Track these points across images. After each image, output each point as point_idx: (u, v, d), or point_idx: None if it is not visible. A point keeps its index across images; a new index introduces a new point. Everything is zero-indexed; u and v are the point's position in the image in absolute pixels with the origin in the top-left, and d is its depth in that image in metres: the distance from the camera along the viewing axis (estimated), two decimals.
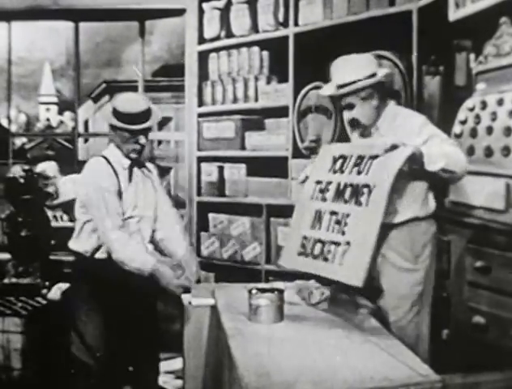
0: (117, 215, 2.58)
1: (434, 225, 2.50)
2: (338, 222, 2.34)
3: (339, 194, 2.39)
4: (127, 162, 2.67)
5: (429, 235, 2.47)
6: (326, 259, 2.32)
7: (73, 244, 2.71)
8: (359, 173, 2.35)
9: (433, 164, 2.28)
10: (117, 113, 2.62)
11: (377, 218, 2.22)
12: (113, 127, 2.65)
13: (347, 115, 2.51)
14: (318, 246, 2.37)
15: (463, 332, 2.55)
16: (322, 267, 2.34)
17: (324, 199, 2.44)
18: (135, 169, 2.70)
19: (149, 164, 2.82)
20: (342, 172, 2.44)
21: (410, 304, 2.43)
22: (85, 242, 2.66)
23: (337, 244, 2.30)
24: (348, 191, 2.36)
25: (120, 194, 2.62)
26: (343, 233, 2.29)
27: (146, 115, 2.63)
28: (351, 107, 2.47)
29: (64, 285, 3.40)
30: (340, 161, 2.48)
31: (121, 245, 2.55)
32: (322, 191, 2.47)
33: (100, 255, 2.64)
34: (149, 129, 2.67)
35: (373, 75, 2.46)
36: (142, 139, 2.63)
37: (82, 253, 2.66)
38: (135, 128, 2.60)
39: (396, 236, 2.44)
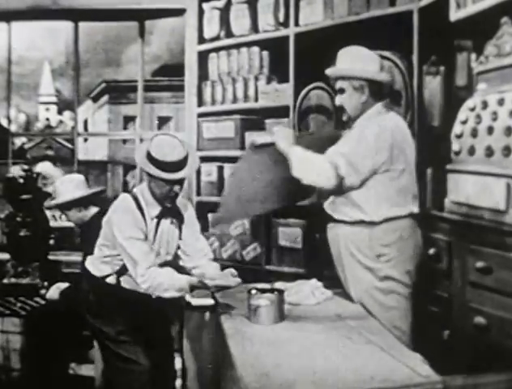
0: (146, 258, 2.47)
1: (407, 228, 2.54)
2: None
3: None
4: (156, 211, 2.54)
5: (395, 235, 2.51)
6: None
7: (89, 265, 2.69)
8: None
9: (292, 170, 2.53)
10: (152, 159, 2.47)
11: None
12: (147, 173, 2.52)
13: (337, 99, 2.64)
14: None
15: (464, 333, 2.54)
16: None
17: None
18: (163, 220, 2.57)
19: (184, 205, 2.66)
20: None
21: (372, 301, 2.49)
22: (99, 268, 2.64)
23: None
24: None
25: (146, 237, 2.53)
26: None
27: (184, 163, 2.49)
28: (341, 92, 2.60)
29: (63, 285, 3.40)
30: None
31: (156, 284, 2.44)
32: None
33: (110, 280, 2.62)
34: (185, 178, 2.53)
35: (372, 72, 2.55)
36: (177, 189, 2.49)
37: (96, 276, 2.65)
38: (172, 178, 2.46)
39: (355, 232, 2.52)
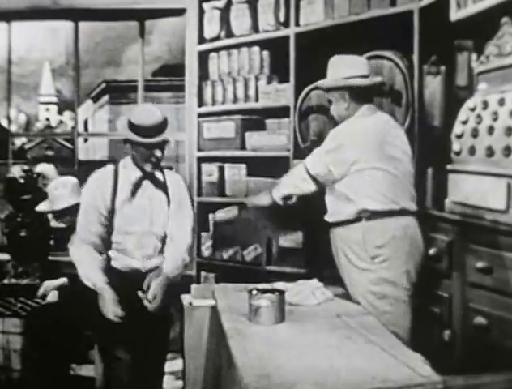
0: (88, 231, 2.56)
1: (401, 227, 2.53)
2: None
3: None
4: (136, 175, 2.57)
5: (387, 236, 2.51)
6: None
7: None
8: None
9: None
10: (132, 126, 2.51)
11: None
12: (127, 140, 2.55)
13: (330, 110, 2.74)
14: None
15: (465, 333, 2.54)
16: None
17: None
18: (146, 182, 2.58)
19: (170, 174, 2.68)
20: None
21: (369, 303, 2.49)
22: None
23: None
24: None
25: (112, 211, 2.54)
26: None
27: (162, 127, 2.52)
28: (330, 103, 2.71)
29: (56, 281, 3.38)
30: None
31: (75, 260, 2.57)
32: None
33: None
34: (166, 142, 2.54)
35: (351, 78, 2.62)
36: (157, 153, 2.51)
37: None
38: (150, 141, 2.49)
39: (349, 234, 2.54)
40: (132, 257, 2.58)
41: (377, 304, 2.49)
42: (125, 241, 2.57)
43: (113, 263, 2.60)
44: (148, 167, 2.55)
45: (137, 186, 2.57)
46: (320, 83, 2.74)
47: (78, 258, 2.57)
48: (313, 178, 2.61)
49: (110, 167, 2.61)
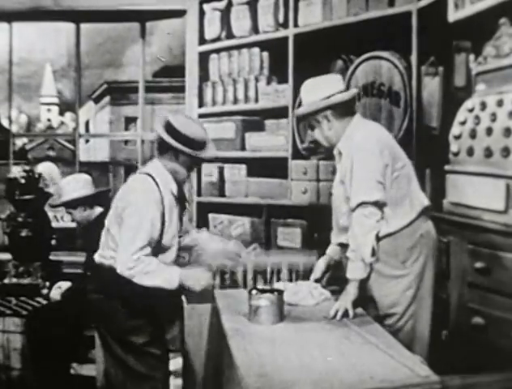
0: (148, 245, 2.34)
1: (424, 224, 2.45)
2: None
3: None
4: (175, 187, 2.43)
5: (416, 236, 2.44)
6: None
7: (99, 257, 2.47)
8: None
9: None
10: (179, 136, 2.36)
11: None
12: (169, 148, 2.39)
13: (312, 135, 2.56)
14: None
15: (463, 333, 2.55)
16: None
17: None
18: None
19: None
20: None
21: (402, 309, 2.43)
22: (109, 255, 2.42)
23: None
24: None
25: (163, 223, 2.38)
26: None
27: (206, 143, 2.42)
28: (312, 128, 2.53)
29: (64, 284, 3.41)
30: None
31: (138, 273, 2.32)
32: None
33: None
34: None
35: (328, 97, 2.45)
36: (194, 169, 2.47)
37: (107, 267, 2.42)
38: (208, 156, 2.40)
39: (379, 247, 2.42)
40: None
41: (413, 305, 2.43)
42: (165, 258, 2.42)
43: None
44: (186, 181, 2.47)
45: (177, 199, 2.46)
46: (301, 110, 2.55)
47: (147, 267, 2.32)
48: (378, 217, 2.38)
49: (146, 178, 2.39)
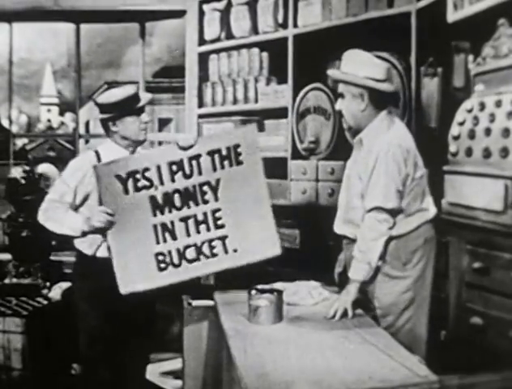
0: (59, 200, 2.53)
1: (429, 229, 2.46)
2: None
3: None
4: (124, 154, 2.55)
5: (420, 240, 2.43)
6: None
7: (78, 243, 2.62)
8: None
9: None
10: (106, 106, 2.51)
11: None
12: (107, 121, 2.53)
13: (337, 104, 2.50)
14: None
15: (461, 333, 2.55)
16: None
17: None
18: None
19: None
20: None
21: (400, 310, 2.42)
22: (88, 240, 2.56)
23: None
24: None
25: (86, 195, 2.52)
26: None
27: (137, 97, 2.54)
28: (342, 96, 2.46)
29: (65, 284, 3.42)
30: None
31: (46, 213, 2.53)
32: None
33: (101, 254, 2.55)
34: (143, 108, 2.54)
35: (373, 80, 2.40)
36: (145, 117, 2.52)
37: (84, 252, 2.59)
38: (138, 105, 2.50)
39: (386, 251, 2.42)
40: None
41: (411, 307, 2.42)
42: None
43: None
44: (143, 135, 2.55)
45: None
46: (338, 74, 2.47)
47: (48, 213, 2.56)
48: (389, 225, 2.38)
49: (88, 154, 2.59)
